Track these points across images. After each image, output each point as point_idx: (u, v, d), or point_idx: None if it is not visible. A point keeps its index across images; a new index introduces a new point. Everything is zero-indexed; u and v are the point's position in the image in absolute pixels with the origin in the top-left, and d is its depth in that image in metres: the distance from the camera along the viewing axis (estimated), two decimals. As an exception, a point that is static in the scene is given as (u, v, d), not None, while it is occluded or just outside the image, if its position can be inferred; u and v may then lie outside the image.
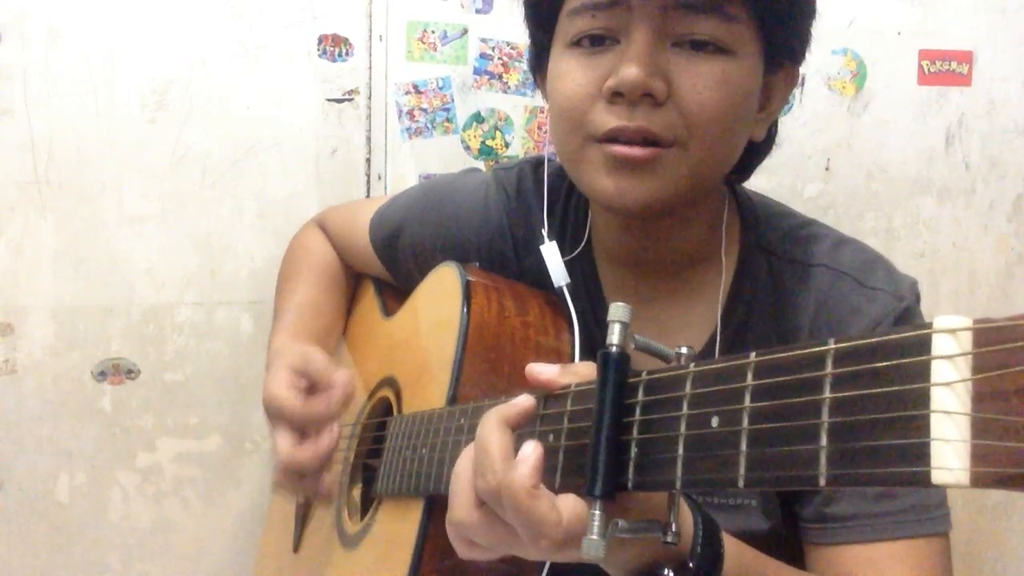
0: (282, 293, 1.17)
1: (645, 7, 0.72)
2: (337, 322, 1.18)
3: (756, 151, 0.86)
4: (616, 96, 0.73)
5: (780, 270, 0.85)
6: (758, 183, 0.93)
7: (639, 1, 0.72)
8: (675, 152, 0.74)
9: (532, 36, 0.85)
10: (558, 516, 0.55)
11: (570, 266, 0.89)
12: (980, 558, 1.59)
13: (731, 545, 0.64)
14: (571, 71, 0.76)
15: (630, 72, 0.71)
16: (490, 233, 0.96)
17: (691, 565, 0.59)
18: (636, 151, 0.73)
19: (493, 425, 0.60)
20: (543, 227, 0.92)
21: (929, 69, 1.50)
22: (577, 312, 0.87)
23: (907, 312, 0.81)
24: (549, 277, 0.89)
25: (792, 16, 0.78)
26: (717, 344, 0.84)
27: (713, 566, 0.60)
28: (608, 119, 0.74)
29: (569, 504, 0.56)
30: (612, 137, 0.74)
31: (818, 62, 1.46)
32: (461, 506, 0.61)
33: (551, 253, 0.89)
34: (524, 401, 0.62)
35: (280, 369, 0.95)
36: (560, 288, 0.88)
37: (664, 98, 0.72)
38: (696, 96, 0.73)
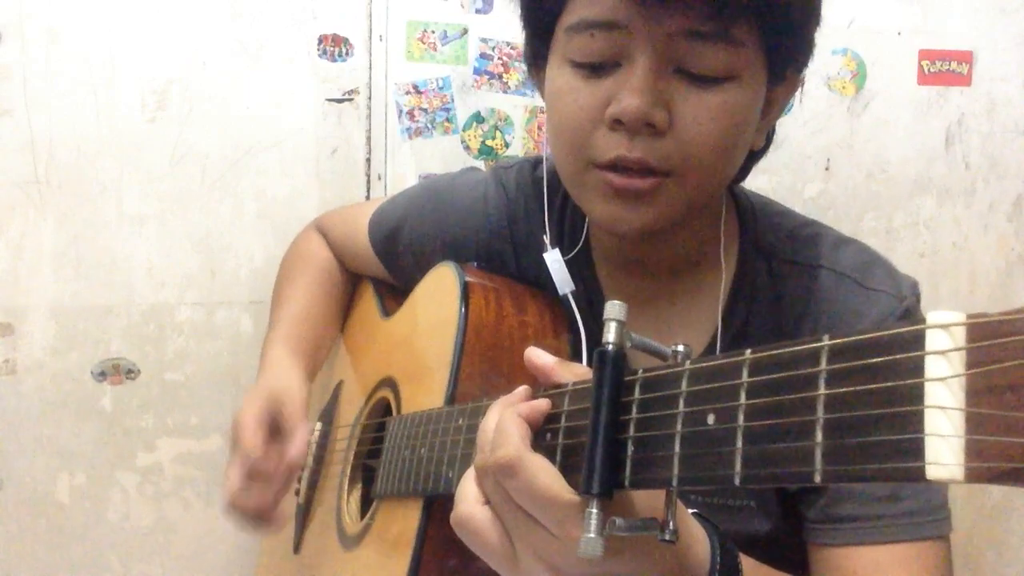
0: (278, 299, 1.17)
1: (649, 33, 0.69)
2: (331, 331, 1.19)
3: (754, 154, 0.86)
4: (617, 123, 0.72)
5: (780, 271, 0.85)
6: (758, 183, 0.93)
7: (642, 26, 0.69)
8: (673, 181, 0.73)
9: (529, 41, 0.83)
10: (541, 476, 0.55)
11: (569, 266, 0.89)
12: (980, 558, 1.58)
13: (747, 566, 0.62)
14: (571, 92, 0.74)
15: (632, 103, 0.70)
16: (489, 232, 0.96)
17: None
18: (636, 183, 0.73)
19: (497, 409, 0.62)
20: (545, 233, 0.91)
21: (929, 69, 1.50)
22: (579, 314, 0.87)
23: (908, 313, 0.80)
24: (547, 276, 0.89)
25: (799, 29, 0.76)
26: (718, 345, 0.84)
27: None
28: (610, 147, 0.72)
29: (562, 486, 0.55)
30: (613, 165, 0.73)
31: (818, 62, 1.45)
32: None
33: (554, 261, 0.89)
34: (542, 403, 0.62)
35: (258, 398, 0.97)
36: (564, 295, 0.88)
37: (665, 127, 0.71)
38: (698, 128, 0.71)
